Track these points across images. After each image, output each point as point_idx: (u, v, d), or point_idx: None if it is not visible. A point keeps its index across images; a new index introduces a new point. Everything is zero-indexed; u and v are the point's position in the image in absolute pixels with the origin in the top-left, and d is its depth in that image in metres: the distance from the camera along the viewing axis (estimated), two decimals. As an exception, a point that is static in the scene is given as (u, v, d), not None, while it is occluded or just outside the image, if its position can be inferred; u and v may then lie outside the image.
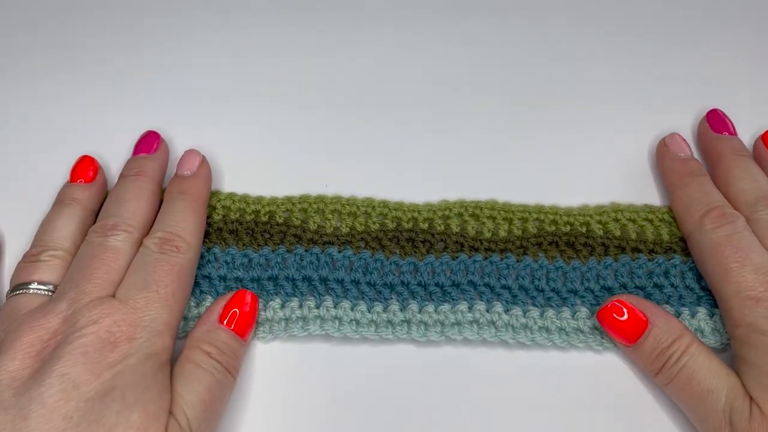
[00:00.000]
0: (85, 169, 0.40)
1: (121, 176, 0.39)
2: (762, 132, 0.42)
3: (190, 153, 0.40)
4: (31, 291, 0.34)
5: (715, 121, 0.42)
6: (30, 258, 0.35)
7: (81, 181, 0.39)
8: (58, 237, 0.36)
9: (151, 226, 0.37)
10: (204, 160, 0.40)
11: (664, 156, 0.41)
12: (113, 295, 0.33)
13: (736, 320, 0.34)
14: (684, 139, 0.41)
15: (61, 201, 0.38)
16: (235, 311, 0.36)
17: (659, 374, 0.35)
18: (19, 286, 0.34)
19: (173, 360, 0.34)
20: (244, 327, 0.36)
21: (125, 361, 0.31)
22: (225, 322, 0.35)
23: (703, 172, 0.40)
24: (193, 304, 0.37)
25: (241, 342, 0.35)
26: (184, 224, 0.36)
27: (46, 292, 0.34)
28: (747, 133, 0.43)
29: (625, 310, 0.35)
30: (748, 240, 0.35)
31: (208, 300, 0.37)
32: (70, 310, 0.32)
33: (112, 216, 0.36)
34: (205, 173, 0.40)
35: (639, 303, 0.36)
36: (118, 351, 0.31)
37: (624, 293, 0.37)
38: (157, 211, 0.38)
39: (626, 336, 0.35)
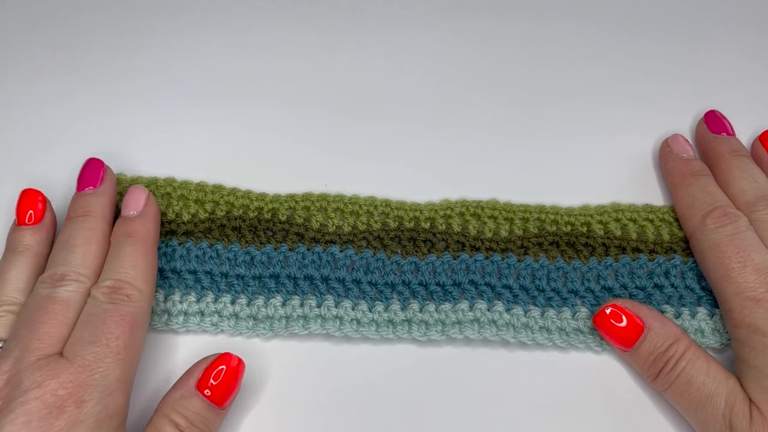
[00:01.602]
0: (33, 202, 0.37)
1: (68, 218, 0.36)
2: (760, 132, 0.42)
3: (134, 190, 0.37)
4: None
5: (713, 122, 0.42)
6: None
7: (31, 215, 0.36)
8: (12, 290, 0.34)
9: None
10: (150, 197, 0.37)
11: (666, 157, 0.41)
12: (62, 353, 0.31)
13: (736, 321, 0.34)
14: (686, 140, 0.41)
15: (12, 248, 0.36)
16: (221, 369, 0.33)
17: (657, 379, 0.35)
18: None
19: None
20: (225, 394, 0.33)
21: (73, 430, 0.28)
22: (203, 389, 0.32)
23: (706, 172, 0.40)
24: (193, 299, 0.37)
25: (218, 411, 0.33)
26: (133, 270, 0.34)
27: None
28: (746, 134, 0.43)
29: (623, 316, 0.35)
30: (750, 240, 0.35)
31: (210, 296, 0.37)
32: (15, 369, 0.30)
33: (60, 264, 0.34)
34: (152, 211, 0.37)
35: (634, 307, 0.36)
36: (65, 418, 0.28)
37: (619, 298, 0.37)
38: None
39: (622, 341, 0.35)
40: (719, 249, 0.35)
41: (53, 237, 0.37)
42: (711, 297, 0.37)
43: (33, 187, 0.38)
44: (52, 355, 0.30)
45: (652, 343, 0.34)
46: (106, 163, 0.39)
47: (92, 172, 0.38)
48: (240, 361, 0.34)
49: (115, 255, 0.35)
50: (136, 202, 0.37)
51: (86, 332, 0.31)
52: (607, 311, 0.36)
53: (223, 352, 0.34)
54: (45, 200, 0.37)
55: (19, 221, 0.36)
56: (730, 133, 0.41)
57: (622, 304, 0.36)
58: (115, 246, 0.35)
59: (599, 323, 0.36)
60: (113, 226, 0.37)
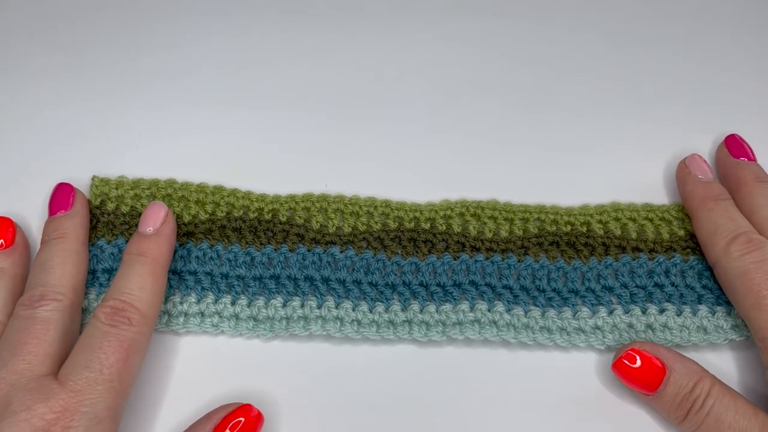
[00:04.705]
0: (3, 231, 0.37)
1: (43, 241, 0.36)
2: None
3: (154, 207, 0.37)
4: None
5: (734, 147, 0.41)
6: None
7: (2, 244, 0.36)
8: None
9: (82, 288, 0.36)
10: (169, 215, 0.37)
11: (685, 179, 0.40)
12: (54, 374, 0.31)
13: None
14: (704, 160, 0.40)
15: None
16: (240, 421, 0.32)
17: (685, 421, 0.33)
18: None
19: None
20: None
21: None
22: None
23: (726, 196, 0.38)
24: (194, 300, 0.37)
25: None
26: (140, 292, 0.33)
27: None
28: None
29: (638, 357, 0.34)
30: None
31: (210, 297, 0.37)
32: (3, 390, 0.30)
33: (38, 285, 0.34)
34: (168, 232, 0.36)
35: (654, 349, 0.35)
36: None
37: (637, 341, 0.36)
38: (86, 272, 0.36)
39: (644, 385, 0.34)
40: (748, 276, 0.34)
41: (28, 259, 0.37)
42: (712, 295, 0.38)
43: (1, 215, 0.38)
44: (45, 376, 0.30)
45: (676, 384, 0.33)
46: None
47: (62, 195, 0.38)
48: (259, 414, 0.33)
49: (124, 273, 0.34)
50: (154, 219, 0.36)
51: (82, 355, 0.31)
52: (624, 356, 0.35)
53: (245, 403, 0.33)
54: (15, 227, 0.37)
55: None
56: (752, 158, 0.40)
57: (640, 347, 0.35)
58: (126, 264, 0.35)
59: (619, 370, 0.35)
60: (88, 247, 0.37)
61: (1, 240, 0.37)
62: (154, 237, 0.36)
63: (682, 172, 0.40)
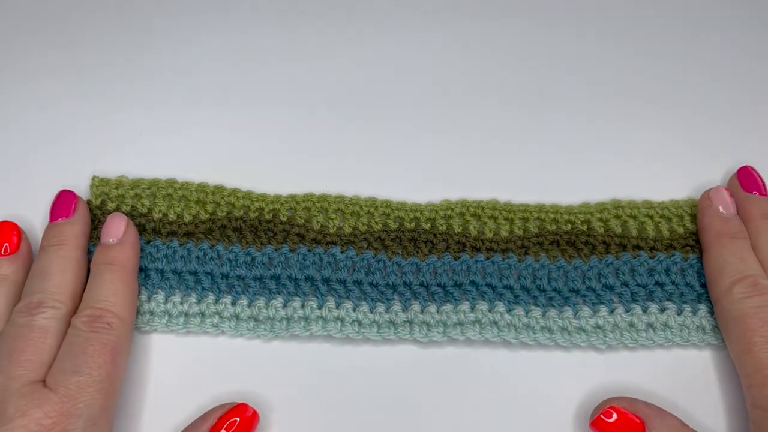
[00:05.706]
0: (8, 235, 0.37)
1: (42, 247, 0.37)
2: None
3: (114, 218, 0.38)
4: None
5: (746, 180, 0.40)
6: None
7: (6, 248, 0.37)
8: None
9: (80, 296, 0.35)
10: (129, 225, 0.38)
11: (705, 211, 0.39)
12: (44, 381, 0.31)
13: (755, 399, 0.32)
14: (730, 194, 0.39)
15: None
16: (235, 420, 0.33)
17: None
18: None
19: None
20: None
21: None
22: None
23: (743, 235, 0.37)
24: (194, 300, 0.37)
25: None
26: (114, 298, 0.34)
27: None
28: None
29: (614, 413, 0.33)
30: None
31: (210, 297, 0.37)
32: None
33: (36, 292, 0.34)
34: (132, 240, 0.37)
35: (631, 405, 0.33)
36: None
37: (615, 397, 0.34)
38: (84, 279, 0.36)
39: None
40: (744, 321, 0.34)
41: (29, 266, 0.37)
42: (711, 295, 0.38)
43: (8, 219, 0.38)
44: (36, 383, 0.31)
45: None
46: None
47: (64, 202, 0.38)
48: (255, 413, 0.34)
49: (95, 283, 0.35)
50: (116, 230, 0.37)
51: (68, 362, 0.31)
52: (603, 413, 0.33)
53: (239, 402, 0.34)
54: (20, 232, 0.37)
55: None
56: (763, 192, 0.39)
57: (618, 403, 0.33)
58: (95, 274, 0.36)
59: (597, 427, 0.34)
60: (87, 255, 0.37)
61: (6, 244, 0.37)
62: (118, 245, 0.37)
63: (704, 203, 0.39)
